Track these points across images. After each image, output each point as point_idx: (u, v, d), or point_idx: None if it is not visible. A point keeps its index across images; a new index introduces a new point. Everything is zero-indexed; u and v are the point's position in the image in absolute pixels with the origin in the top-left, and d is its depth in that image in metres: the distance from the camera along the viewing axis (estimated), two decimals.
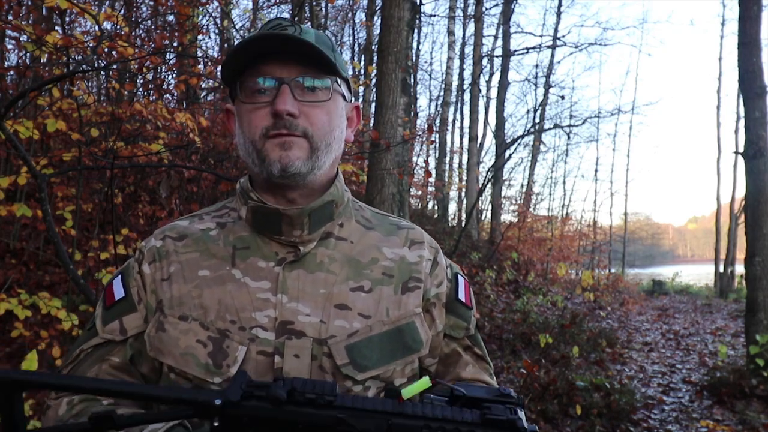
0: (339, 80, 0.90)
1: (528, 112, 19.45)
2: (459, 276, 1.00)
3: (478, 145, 14.35)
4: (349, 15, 15.31)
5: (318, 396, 0.68)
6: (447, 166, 17.41)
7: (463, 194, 15.29)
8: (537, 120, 17.28)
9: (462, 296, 0.98)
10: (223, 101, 6.31)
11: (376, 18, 11.43)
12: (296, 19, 5.78)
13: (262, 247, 0.89)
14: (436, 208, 16.21)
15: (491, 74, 17.16)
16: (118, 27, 4.15)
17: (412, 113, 11.64)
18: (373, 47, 11.28)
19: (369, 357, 0.85)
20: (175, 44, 5.30)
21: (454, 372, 0.96)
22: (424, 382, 0.70)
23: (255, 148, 0.86)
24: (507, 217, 16.93)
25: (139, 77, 4.89)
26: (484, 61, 15.36)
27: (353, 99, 0.98)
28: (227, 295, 0.85)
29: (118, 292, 0.91)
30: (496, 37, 16.54)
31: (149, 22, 6.54)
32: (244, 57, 0.85)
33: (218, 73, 5.71)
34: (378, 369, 0.85)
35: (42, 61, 4.03)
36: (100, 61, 3.71)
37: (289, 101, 0.83)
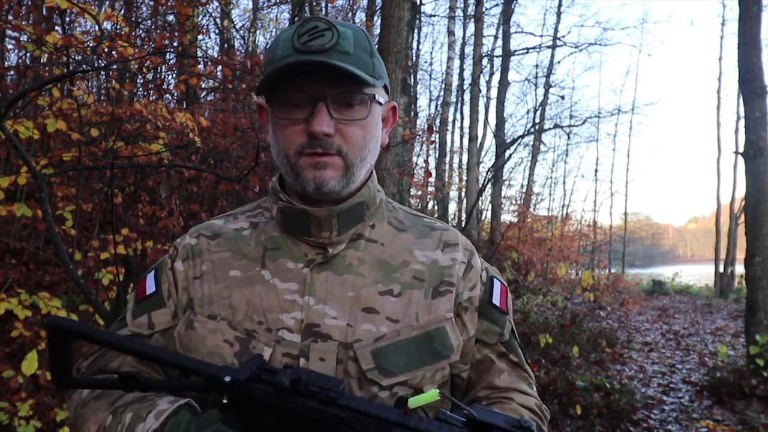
0: (376, 91, 0.86)
1: (528, 112, 19.45)
2: (495, 279, 0.97)
3: (478, 145, 14.35)
4: (349, 15, 15.32)
5: (321, 390, 0.67)
6: (447, 166, 17.41)
7: (463, 194, 15.30)
8: (537, 120, 17.27)
9: (497, 300, 0.95)
10: (224, 101, 6.31)
11: (376, 18, 11.42)
12: (296, 19, 5.78)
13: (292, 248, 0.89)
14: (436, 208, 16.20)
15: (491, 74, 17.16)
16: (118, 27, 4.15)
17: (412, 113, 11.63)
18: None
19: (396, 362, 0.83)
20: (175, 44, 5.30)
21: (487, 379, 0.92)
22: (432, 395, 0.67)
23: (289, 162, 0.85)
24: (507, 217, 16.95)
25: (139, 77, 4.89)
26: (484, 61, 15.36)
27: (389, 97, 0.95)
28: (256, 296, 0.85)
29: (150, 287, 0.92)
30: (496, 37, 16.53)
31: (149, 22, 6.54)
32: (283, 72, 0.81)
33: (218, 73, 5.72)
34: (405, 375, 0.83)
35: (42, 61, 4.03)
36: (100, 61, 3.71)
37: (326, 121, 0.81)
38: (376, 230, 0.92)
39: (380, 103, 0.89)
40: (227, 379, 0.69)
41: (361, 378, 0.81)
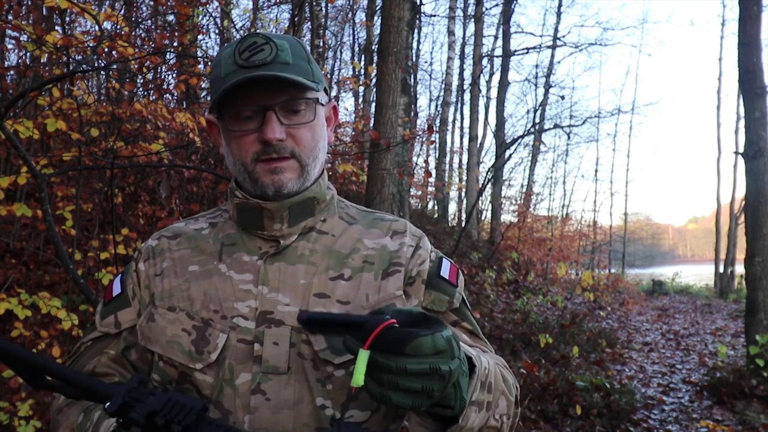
0: (318, 94, 0.92)
1: (528, 112, 19.45)
2: (444, 259, 1.00)
3: (478, 145, 14.35)
4: (349, 15, 15.31)
5: (171, 421, 0.70)
6: (447, 166, 17.41)
7: (463, 194, 15.29)
8: (537, 120, 17.28)
9: (445, 274, 0.97)
10: None
11: (376, 18, 11.42)
12: (296, 19, 5.78)
13: (247, 242, 0.94)
14: (436, 208, 16.21)
15: (491, 74, 17.17)
16: (118, 27, 4.15)
17: (412, 113, 11.64)
18: (373, 47, 11.28)
19: None
20: (175, 44, 5.30)
21: None
22: (363, 357, 0.66)
23: (247, 170, 0.90)
24: (507, 217, 16.95)
25: (139, 77, 4.89)
26: (484, 61, 15.37)
27: (329, 98, 1.00)
28: (212, 288, 0.90)
29: (116, 289, 0.98)
30: (496, 37, 16.53)
31: (149, 22, 6.54)
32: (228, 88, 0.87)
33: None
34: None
35: (42, 61, 4.03)
36: (100, 61, 3.71)
37: (277, 128, 0.87)
38: (327, 224, 0.97)
39: (323, 105, 0.95)
40: (106, 406, 0.73)
41: (315, 359, 0.85)
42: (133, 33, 5.74)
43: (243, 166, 0.90)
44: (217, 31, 8.36)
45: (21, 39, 4.78)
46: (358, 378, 0.64)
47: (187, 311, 0.89)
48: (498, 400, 0.85)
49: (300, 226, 0.93)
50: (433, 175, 14.84)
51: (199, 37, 6.86)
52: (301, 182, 0.91)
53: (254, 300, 0.88)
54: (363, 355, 0.64)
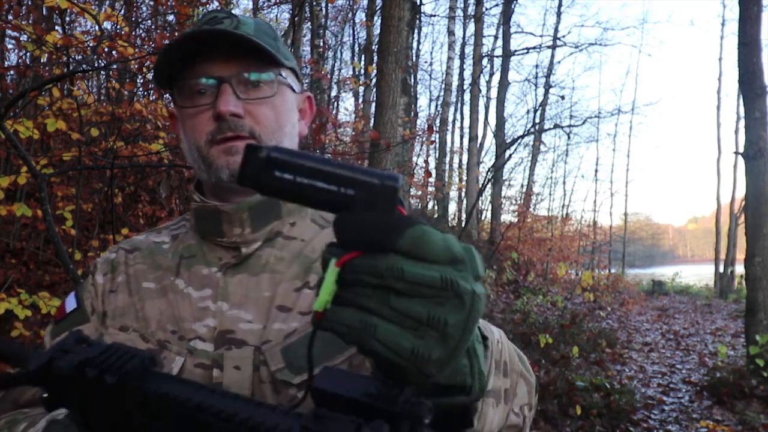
0: (284, 72, 0.84)
1: (528, 112, 19.45)
2: None
3: (478, 145, 14.36)
4: (349, 15, 15.32)
5: (106, 371, 0.54)
6: (447, 166, 17.41)
7: (463, 194, 15.29)
8: (537, 120, 17.28)
9: None
10: None
11: (376, 18, 11.42)
12: (296, 19, 5.78)
13: (207, 253, 0.83)
14: (436, 208, 16.21)
15: (491, 74, 17.18)
16: (118, 27, 4.15)
17: (412, 113, 11.64)
18: (373, 47, 11.28)
19: (305, 356, 0.67)
20: None
21: None
22: (330, 275, 0.40)
23: (201, 154, 0.81)
24: (507, 217, 16.94)
25: (139, 77, 4.88)
26: (484, 61, 15.37)
27: (303, 89, 0.92)
28: (169, 306, 0.81)
29: (70, 305, 0.87)
30: (496, 37, 16.54)
31: (149, 22, 6.54)
32: (179, 57, 0.79)
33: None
34: (317, 367, 0.65)
35: (42, 60, 4.03)
36: (100, 61, 3.71)
37: (232, 101, 0.77)
38: (296, 228, 0.85)
39: (292, 89, 0.86)
40: (29, 370, 0.58)
41: (273, 381, 0.74)
42: (133, 33, 5.74)
43: (197, 150, 0.81)
44: None
45: (21, 39, 4.78)
46: (322, 299, 0.40)
47: (141, 332, 0.80)
48: (517, 387, 0.69)
49: (265, 231, 0.83)
50: (433, 175, 14.83)
51: None
52: None
53: (212, 318, 0.78)
54: (333, 264, 0.40)
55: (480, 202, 15.41)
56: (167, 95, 6.31)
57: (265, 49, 0.78)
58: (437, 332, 0.40)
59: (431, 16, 16.18)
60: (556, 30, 17.70)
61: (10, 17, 3.87)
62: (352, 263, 0.39)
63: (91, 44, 3.49)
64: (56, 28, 5.00)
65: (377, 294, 0.39)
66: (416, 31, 14.72)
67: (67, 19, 5.66)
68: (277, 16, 12.39)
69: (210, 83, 0.79)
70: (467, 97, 16.26)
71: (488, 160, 17.53)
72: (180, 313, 0.79)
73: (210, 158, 0.80)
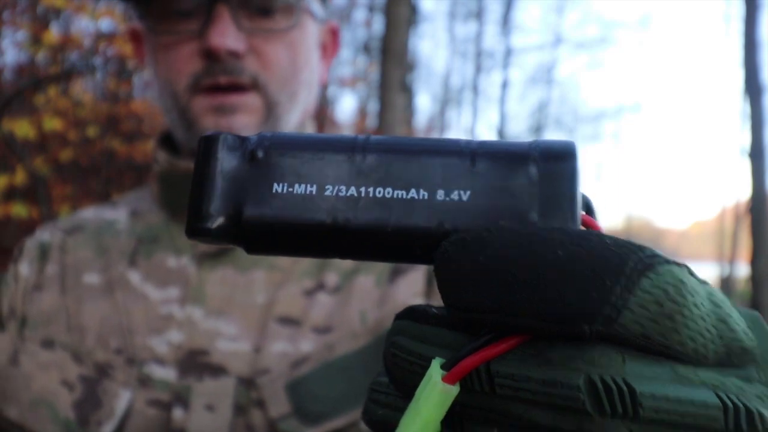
0: None
1: (528, 112, 19.45)
2: None
3: None
4: (349, 14, 15.32)
5: None
6: None
7: None
8: (537, 120, 17.26)
9: None
10: None
11: (376, 17, 11.41)
12: None
13: (176, 237, 0.58)
14: None
15: (491, 74, 17.15)
16: (116, 26, 4.13)
17: (412, 113, 11.63)
18: (373, 46, 11.27)
19: (325, 397, 0.51)
20: None
21: None
22: (429, 400, 0.18)
23: (178, 105, 0.55)
24: None
25: (137, 76, 4.86)
26: (485, 60, 15.36)
27: (326, 16, 0.64)
28: (115, 310, 0.56)
29: None
30: (496, 37, 16.53)
31: None
32: None
33: None
34: (342, 416, 0.51)
35: (39, 58, 4.00)
36: (97, 60, 3.68)
37: (230, 32, 0.52)
38: None
39: (315, 18, 0.59)
40: None
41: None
42: None
43: (173, 97, 0.55)
44: None
45: (18, 38, 4.76)
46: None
47: (74, 349, 0.54)
48: None
49: None
50: None
51: None
52: None
53: (178, 331, 0.54)
54: (437, 378, 0.17)
55: None
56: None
57: None
58: None
59: (431, 15, 16.17)
60: (557, 29, 17.69)
61: (9, 16, 3.84)
62: (497, 371, 0.17)
63: (88, 43, 3.46)
64: (53, 26, 4.98)
65: None
66: (416, 30, 14.72)
67: (65, 18, 5.64)
68: None
69: (199, 2, 0.53)
70: (468, 96, 16.27)
71: None
72: (130, 321, 0.55)
73: (191, 113, 0.55)
